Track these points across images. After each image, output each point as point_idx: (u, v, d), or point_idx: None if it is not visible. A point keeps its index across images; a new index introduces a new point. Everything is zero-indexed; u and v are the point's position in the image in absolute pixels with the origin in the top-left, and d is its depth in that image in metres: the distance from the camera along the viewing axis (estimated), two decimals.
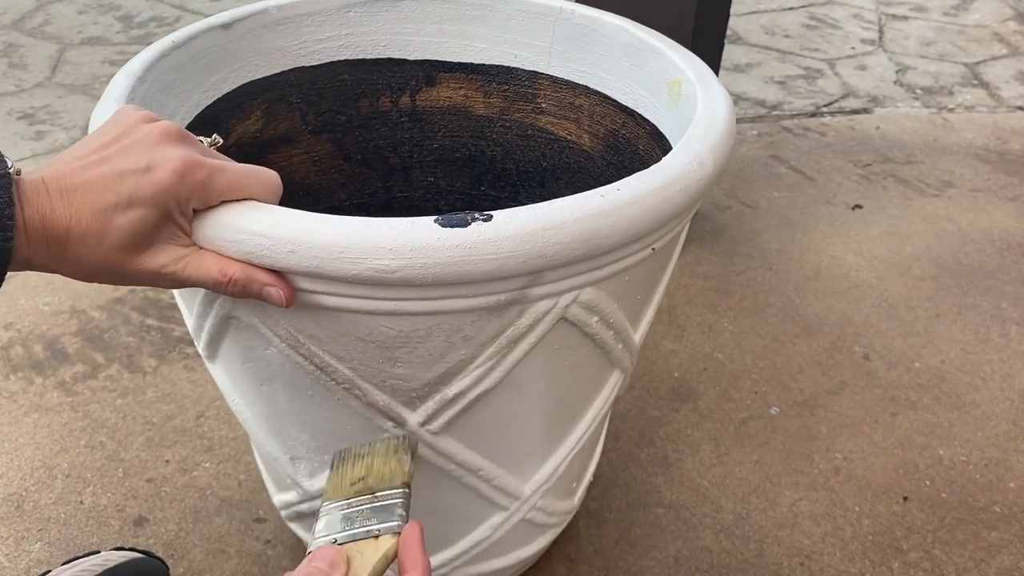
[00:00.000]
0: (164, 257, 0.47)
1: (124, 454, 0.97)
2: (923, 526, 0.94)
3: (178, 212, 0.46)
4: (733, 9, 2.70)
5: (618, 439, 1.02)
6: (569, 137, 0.82)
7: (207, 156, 0.49)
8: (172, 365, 1.10)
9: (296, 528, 0.80)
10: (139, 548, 0.78)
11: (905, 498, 0.97)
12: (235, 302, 0.53)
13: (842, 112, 2.09)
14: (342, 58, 0.82)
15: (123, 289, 1.23)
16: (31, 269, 0.45)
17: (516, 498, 0.68)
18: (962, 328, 1.26)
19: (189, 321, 0.63)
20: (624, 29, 0.74)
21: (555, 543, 0.88)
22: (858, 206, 1.61)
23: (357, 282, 0.47)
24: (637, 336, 0.64)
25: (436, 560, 0.72)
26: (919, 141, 1.93)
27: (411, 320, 0.50)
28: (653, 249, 0.54)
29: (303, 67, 0.80)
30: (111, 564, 0.74)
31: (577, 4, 0.78)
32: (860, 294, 1.33)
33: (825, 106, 2.12)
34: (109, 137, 0.47)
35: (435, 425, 0.58)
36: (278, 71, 0.79)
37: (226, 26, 0.72)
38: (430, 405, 0.56)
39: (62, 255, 0.45)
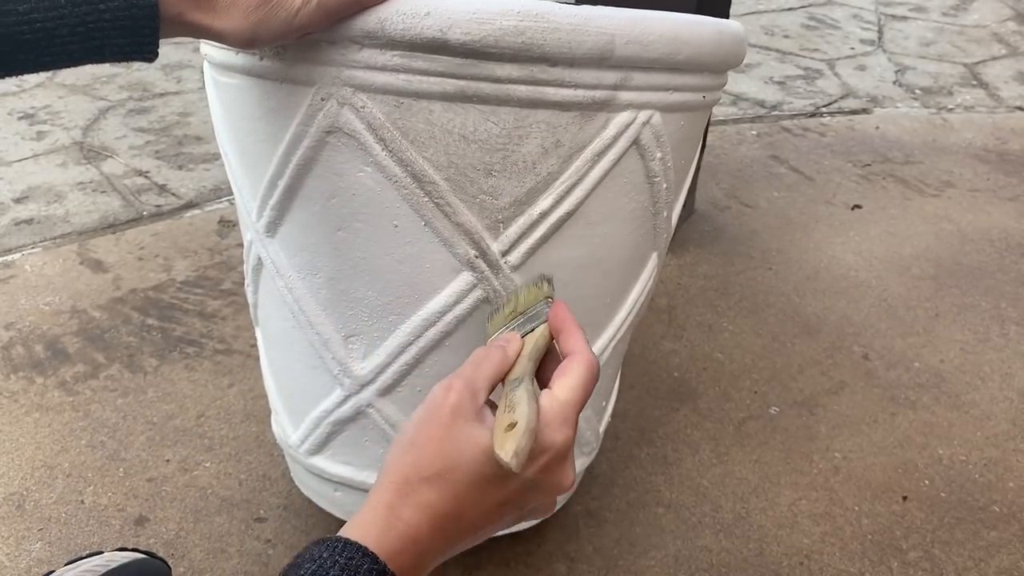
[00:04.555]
0: None
1: (125, 454, 0.97)
2: (922, 526, 0.94)
3: None
4: (733, 9, 2.69)
5: (618, 439, 1.02)
6: None
7: None
8: (173, 365, 1.10)
9: (321, 462, 0.77)
10: (141, 548, 0.78)
11: (904, 498, 0.97)
12: (341, 107, 0.57)
13: (841, 112, 2.10)
14: None
15: (123, 288, 1.24)
16: (182, 32, 0.50)
17: None
18: (961, 328, 1.27)
19: (262, 183, 0.65)
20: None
21: (555, 542, 0.88)
22: (857, 206, 1.61)
23: (483, 49, 0.54)
24: (675, 213, 0.73)
25: None
26: (918, 141, 1.93)
27: (516, 114, 0.57)
28: (704, 97, 0.65)
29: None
30: (114, 565, 0.74)
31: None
32: (859, 294, 1.33)
33: (825, 106, 2.12)
34: None
35: (514, 256, 0.63)
36: None
37: None
38: (512, 231, 0.62)
39: (215, 3, 0.50)
